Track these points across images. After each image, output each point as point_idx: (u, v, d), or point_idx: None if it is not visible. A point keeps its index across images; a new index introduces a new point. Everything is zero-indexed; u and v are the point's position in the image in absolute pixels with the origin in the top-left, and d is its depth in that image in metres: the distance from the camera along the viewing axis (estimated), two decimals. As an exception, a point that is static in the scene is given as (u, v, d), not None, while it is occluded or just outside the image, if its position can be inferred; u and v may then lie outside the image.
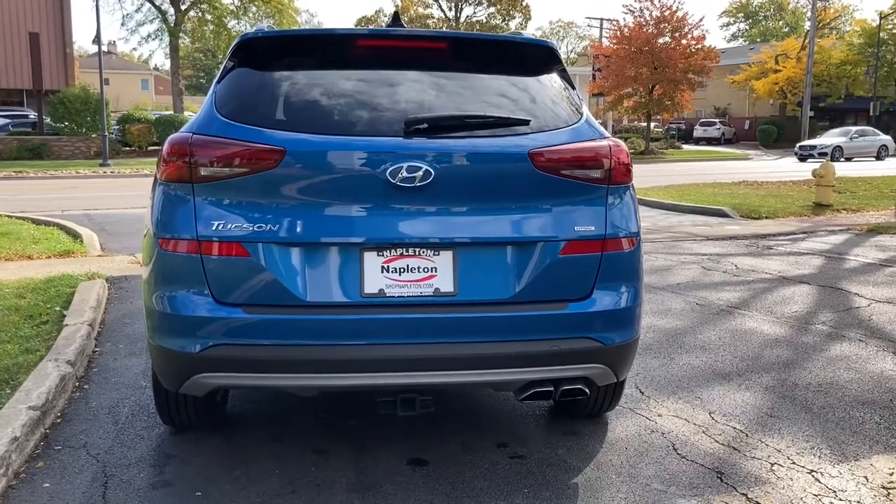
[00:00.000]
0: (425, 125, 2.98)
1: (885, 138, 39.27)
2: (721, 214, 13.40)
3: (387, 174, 2.88)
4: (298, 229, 2.90)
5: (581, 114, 3.28)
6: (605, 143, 3.18)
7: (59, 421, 3.80)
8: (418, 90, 3.19)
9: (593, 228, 3.10)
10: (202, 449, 3.50)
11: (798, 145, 37.85)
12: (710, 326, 5.78)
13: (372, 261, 2.95)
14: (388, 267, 2.96)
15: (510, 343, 3.00)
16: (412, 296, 2.96)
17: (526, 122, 3.09)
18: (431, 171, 2.90)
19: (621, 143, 3.26)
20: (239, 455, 3.45)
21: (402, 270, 2.96)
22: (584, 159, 3.11)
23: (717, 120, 57.53)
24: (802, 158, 35.47)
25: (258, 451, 3.50)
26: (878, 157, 37.38)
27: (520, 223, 3.03)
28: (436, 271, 2.98)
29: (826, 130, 55.54)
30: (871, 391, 4.36)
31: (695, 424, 3.85)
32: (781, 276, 7.79)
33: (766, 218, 12.90)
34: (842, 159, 35.37)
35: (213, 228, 2.90)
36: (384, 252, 2.96)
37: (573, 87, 3.41)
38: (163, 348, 3.00)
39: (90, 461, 3.36)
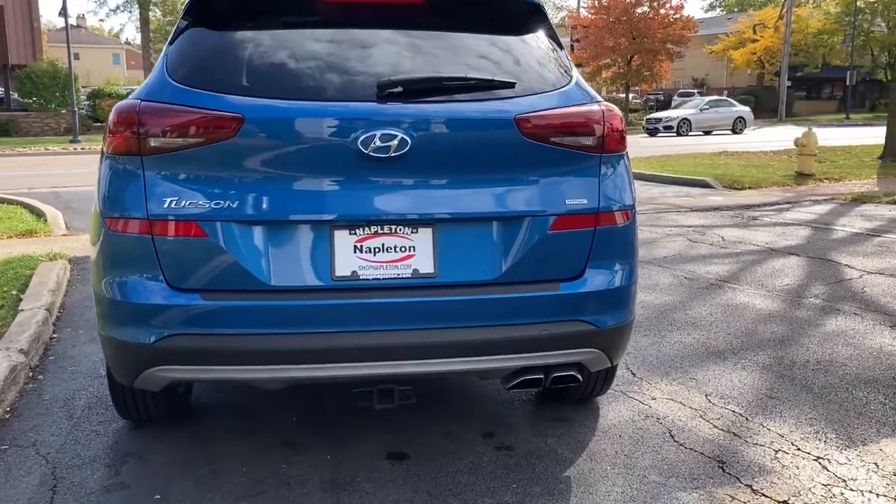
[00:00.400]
0: (400, 89, 2.68)
1: (742, 109, 35.36)
2: (704, 185, 13.21)
3: (358, 144, 2.59)
4: (261, 206, 2.61)
5: (570, 76, 3.00)
6: (596, 107, 2.90)
7: (7, 416, 3.50)
8: (392, 51, 2.89)
9: (585, 201, 2.83)
10: (163, 445, 3.22)
11: (646, 118, 35.73)
12: (700, 301, 5.56)
13: (343, 240, 2.67)
14: (361, 246, 2.68)
15: (496, 328, 2.74)
16: (388, 278, 2.69)
17: (511, 85, 2.81)
18: (408, 139, 2.62)
19: (614, 107, 2.98)
20: (204, 451, 3.18)
21: (376, 250, 2.69)
22: (575, 125, 2.83)
23: (695, 91, 57.29)
24: (651, 132, 33.23)
25: (225, 445, 3.23)
26: (735, 131, 33.74)
27: (505, 196, 2.76)
28: (414, 250, 2.71)
29: (804, 100, 55.76)
30: (871, 368, 4.16)
31: (691, 408, 3.62)
32: (769, 247, 7.59)
33: (750, 188, 12.73)
34: (690, 133, 32.47)
35: (166, 206, 2.60)
36: (357, 230, 2.68)
37: (561, 48, 3.13)
38: (113, 339, 2.72)
39: (39, 462, 3.07)
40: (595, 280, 2.87)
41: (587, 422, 3.49)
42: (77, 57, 34.26)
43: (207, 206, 2.60)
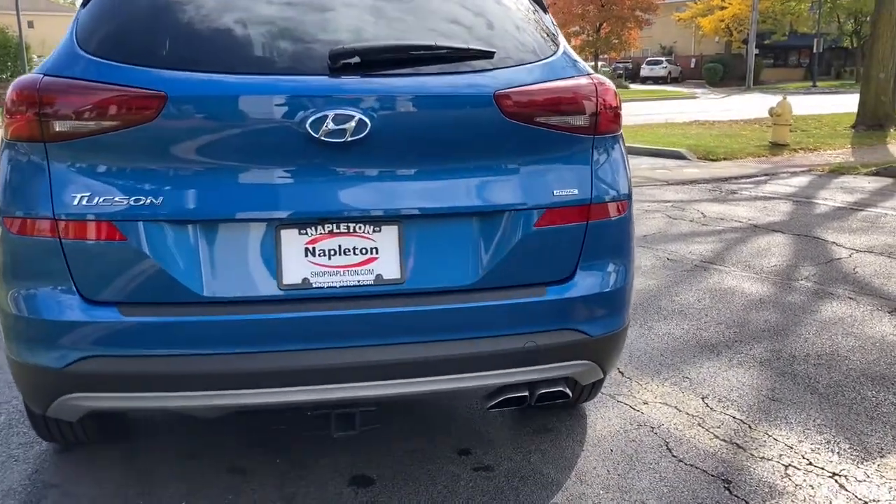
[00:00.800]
0: (357, 59, 2.24)
1: None
2: (678, 157, 12.89)
3: (307, 126, 2.16)
4: (190, 202, 2.17)
5: (557, 44, 2.58)
6: (587, 80, 2.49)
7: (-88, 440, 3.06)
8: (348, 14, 2.43)
9: (576, 192, 2.43)
10: (91, 474, 2.80)
11: None
12: (686, 286, 5.21)
13: (292, 242, 2.25)
14: (313, 249, 2.26)
15: (474, 341, 2.34)
16: (347, 285, 2.27)
17: (490, 55, 2.38)
18: (367, 120, 2.19)
19: (607, 80, 2.57)
20: (138, 479, 2.77)
21: (332, 253, 2.27)
22: (563, 102, 2.42)
23: (663, 59, 57.03)
24: None
25: (164, 472, 2.82)
26: None
27: (483, 187, 2.35)
28: (377, 252, 2.29)
29: (771, 68, 55.68)
30: (876, 362, 3.84)
31: (688, 414, 3.27)
32: (752, 224, 7.28)
33: (725, 159, 12.44)
34: None
35: (76, 204, 2.16)
36: (308, 230, 2.25)
37: (546, 11, 2.71)
38: (18, 362, 2.28)
39: (-58, 499, 2.65)
40: (587, 282, 2.48)
41: (574, 433, 3.13)
42: (31, 25, 33.07)
43: (126, 202, 2.16)
